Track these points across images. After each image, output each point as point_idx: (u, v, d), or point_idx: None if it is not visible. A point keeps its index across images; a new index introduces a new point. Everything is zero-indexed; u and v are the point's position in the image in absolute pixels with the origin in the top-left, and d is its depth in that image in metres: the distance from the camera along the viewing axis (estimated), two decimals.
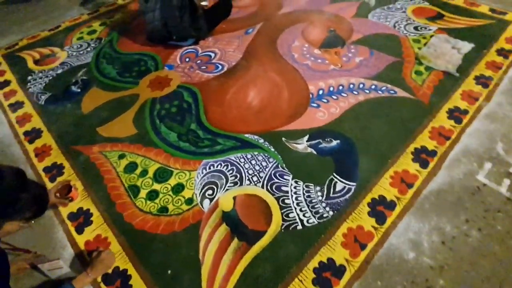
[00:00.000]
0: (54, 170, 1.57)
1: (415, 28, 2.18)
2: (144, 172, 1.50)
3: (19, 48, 2.48)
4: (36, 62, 2.31)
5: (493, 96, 1.67)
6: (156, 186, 1.44)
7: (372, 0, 2.49)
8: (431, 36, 2.09)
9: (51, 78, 2.14)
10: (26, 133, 1.76)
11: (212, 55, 2.18)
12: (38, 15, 2.96)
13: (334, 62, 1.99)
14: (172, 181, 1.45)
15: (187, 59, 2.17)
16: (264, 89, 1.87)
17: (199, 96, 1.88)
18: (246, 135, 1.62)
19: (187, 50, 2.25)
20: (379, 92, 1.76)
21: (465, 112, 1.61)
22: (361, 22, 2.30)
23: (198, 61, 2.14)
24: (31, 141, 1.72)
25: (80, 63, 2.25)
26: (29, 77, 2.16)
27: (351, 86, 1.82)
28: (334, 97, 1.77)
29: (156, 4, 2.06)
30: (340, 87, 1.82)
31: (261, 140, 1.58)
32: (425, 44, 2.03)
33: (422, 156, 1.44)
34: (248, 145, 1.57)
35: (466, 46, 1.96)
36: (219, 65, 2.08)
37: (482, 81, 1.76)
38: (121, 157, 1.58)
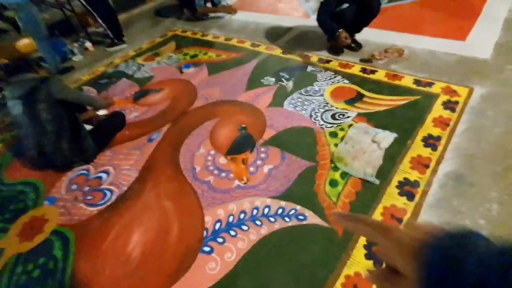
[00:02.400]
0: None
1: (333, 116, 1.92)
2: None
3: None
4: None
5: (420, 213, 1.35)
6: None
7: (289, 83, 2.28)
8: (350, 126, 1.82)
9: None
10: None
11: (104, 176, 1.86)
12: None
13: (240, 175, 1.69)
14: None
15: (74, 186, 1.84)
16: (151, 227, 1.52)
17: (71, 246, 1.51)
18: None
19: (78, 172, 1.93)
20: (286, 219, 1.43)
21: None
22: (276, 113, 2.05)
23: (86, 188, 1.81)
24: None
25: None
26: None
27: (255, 212, 1.48)
28: (232, 232, 1.42)
29: (27, 130, 1.77)
30: (242, 215, 1.48)
31: None
32: (342, 139, 1.75)
33: None
34: None
35: (388, 138, 1.68)
36: (108, 192, 1.75)
37: (407, 189, 1.44)
38: None
